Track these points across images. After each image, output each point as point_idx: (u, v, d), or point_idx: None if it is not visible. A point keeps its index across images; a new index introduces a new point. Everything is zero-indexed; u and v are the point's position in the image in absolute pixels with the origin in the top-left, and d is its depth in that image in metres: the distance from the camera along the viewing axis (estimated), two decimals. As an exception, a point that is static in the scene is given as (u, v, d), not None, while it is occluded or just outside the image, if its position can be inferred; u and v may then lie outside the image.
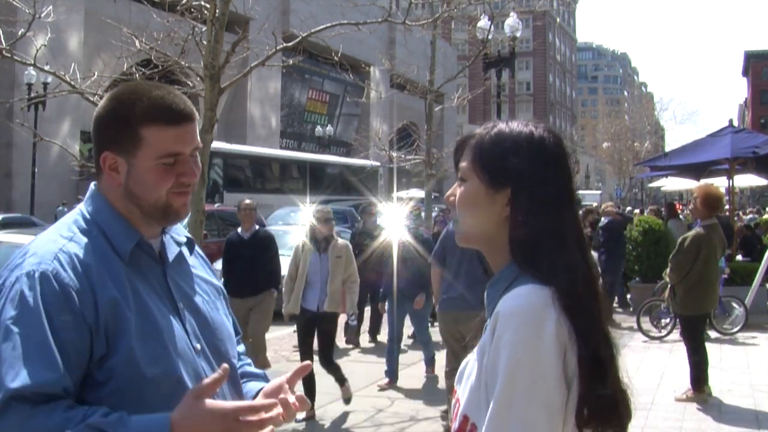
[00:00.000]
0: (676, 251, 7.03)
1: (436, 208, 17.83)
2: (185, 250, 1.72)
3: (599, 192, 51.02)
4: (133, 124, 1.55)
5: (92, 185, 1.66)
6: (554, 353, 1.26)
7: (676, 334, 10.16)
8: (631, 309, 12.68)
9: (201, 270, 1.76)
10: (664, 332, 10.15)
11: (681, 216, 17.05)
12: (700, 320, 7.26)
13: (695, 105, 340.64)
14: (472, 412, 1.33)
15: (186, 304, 1.63)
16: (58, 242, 1.51)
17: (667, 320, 10.16)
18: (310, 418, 6.32)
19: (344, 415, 6.58)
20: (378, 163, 33.16)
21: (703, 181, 17.70)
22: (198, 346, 1.61)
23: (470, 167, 1.43)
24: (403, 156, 16.87)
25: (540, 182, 1.37)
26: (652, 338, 10.03)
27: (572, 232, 1.37)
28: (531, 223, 1.35)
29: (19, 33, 6.54)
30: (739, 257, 13.78)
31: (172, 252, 1.66)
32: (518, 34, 19.00)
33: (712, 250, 6.85)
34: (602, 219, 12.88)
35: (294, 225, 16.61)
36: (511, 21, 18.51)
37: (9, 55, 6.42)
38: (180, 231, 1.74)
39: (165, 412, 1.44)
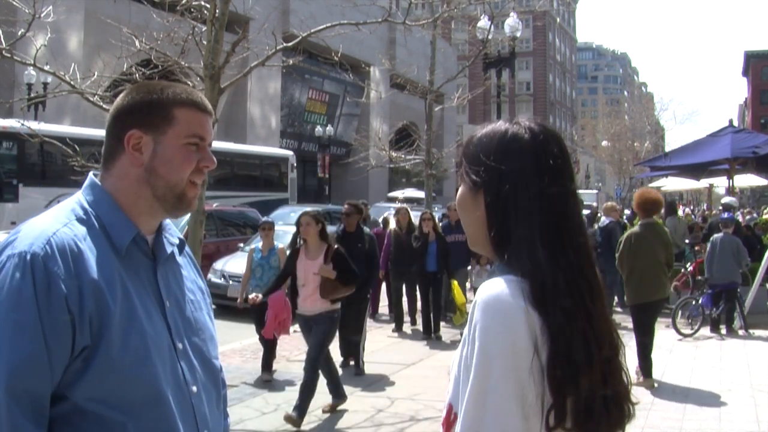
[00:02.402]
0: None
1: (436, 208, 17.83)
2: (176, 251, 1.73)
3: (596, 191, 50.76)
4: (165, 104, 1.62)
5: (90, 175, 1.66)
6: (525, 344, 1.25)
7: (704, 331, 10.32)
8: (631, 309, 12.66)
9: (188, 270, 1.77)
10: (692, 329, 10.31)
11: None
12: (644, 309, 7.63)
13: (695, 105, 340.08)
14: (455, 402, 1.33)
15: (172, 303, 1.63)
16: (53, 226, 1.49)
17: (698, 318, 10.40)
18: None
19: (344, 415, 6.58)
20: (289, 152, 29.63)
21: (705, 181, 17.71)
22: (180, 345, 1.60)
23: (459, 171, 1.46)
24: (403, 156, 16.87)
25: (508, 182, 1.35)
26: (684, 335, 10.11)
27: (547, 232, 1.33)
28: (502, 223, 1.35)
29: (19, 33, 6.53)
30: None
31: (164, 250, 1.67)
32: (518, 34, 19.00)
33: (646, 245, 7.50)
34: (602, 219, 12.87)
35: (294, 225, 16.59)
36: (511, 21, 18.51)
37: (9, 55, 6.41)
38: (173, 232, 1.75)
39: (137, 410, 1.46)
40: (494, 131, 1.42)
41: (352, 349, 8.36)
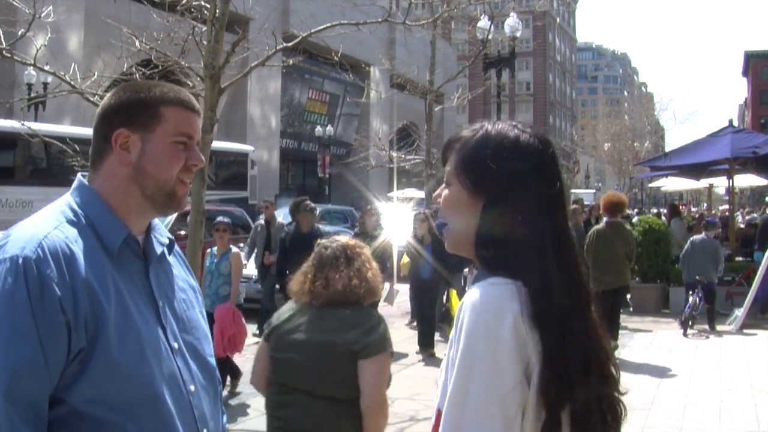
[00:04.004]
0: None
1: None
2: (165, 250, 1.73)
3: (593, 191, 50.66)
4: (153, 104, 1.61)
5: (79, 176, 1.66)
6: (512, 346, 1.25)
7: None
8: (631, 309, 12.69)
9: (179, 269, 1.77)
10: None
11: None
12: (606, 296, 8.37)
13: (695, 105, 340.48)
14: (442, 405, 1.33)
15: (165, 303, 1.63)
16: (44, 229, 1.48)
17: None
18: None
19: (344, 415, 6.57)
20: (250, 147, 27.37)
21: (705, 181, 17.70)
22: (175, 344, 1.60)
23: (453, 172, 1.43)
24: (403, 156, 16.87)
25: (522, 189, 1.35)
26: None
27: (554, 238, 1.34)
28: (510, 230, 1.34)
29: (19, 33, 6.53)
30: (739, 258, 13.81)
31: (155, 250, 1.66)
32: (518, 34, 18.98)
33: (606, 241, 8.61)
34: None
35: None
36: (511, 21, 18.50)
37: (9, 55, 6.41)
38: (162, 232, 1.74)
39: (136, 411, 1.46)
40: (501, 136, 1.40)
41: None
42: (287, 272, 7.14)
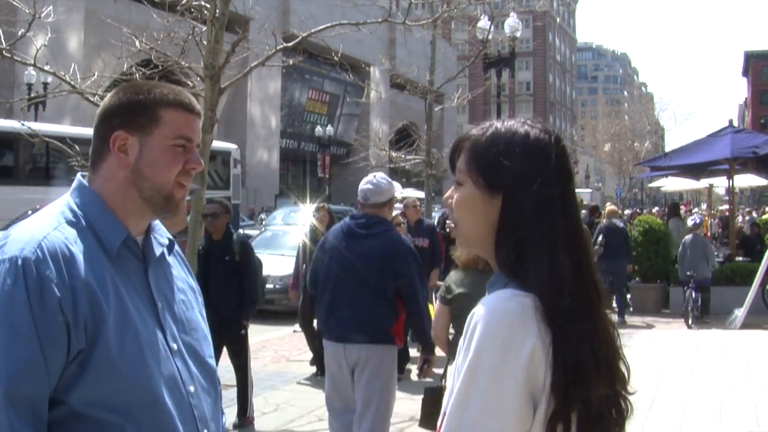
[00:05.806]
0: None
1: (436, 208, 17.82)
2: (165, 251, 1.72)
3: (590, 191, 50.42)
4: (152, 105, 1.60)
5: (78, 176, 1.65)
6: (519, 363, 1.23)
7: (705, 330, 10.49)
8: (631, 309, 12.70)
9: (178, 269, 1.76)
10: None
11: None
12: None
13: (695, 105, 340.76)
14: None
15: (164, 304, 1.62)
16: (43, 230, 1.48)
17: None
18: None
19: (344, 415, 6.57)
20: (233, 146, 25.69)
21: (705, 181, 17.72)
22: (174, 346, 1.60)
23: (465, 171, 1.40)
24: (403, 156, 16.86)
25: (533, 186, 1.33)
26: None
27: (566, 236, 1.33)
28: (522, 228, 1.33)
29: (19, 33, 6.52)
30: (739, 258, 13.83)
31: (154, 251, 1.66)
32: (518, 34, 18.99)
33: None
34: (616, 221, 12.80)
35: (294, 225, 16.59)
36: (511, 21, 18.50)
37: (9, 55, 6.41)
38: (162, 232, 1.74)
39: (135, 412, 1.46)
40: (512, 132, 1.39)
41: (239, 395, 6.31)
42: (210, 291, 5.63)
